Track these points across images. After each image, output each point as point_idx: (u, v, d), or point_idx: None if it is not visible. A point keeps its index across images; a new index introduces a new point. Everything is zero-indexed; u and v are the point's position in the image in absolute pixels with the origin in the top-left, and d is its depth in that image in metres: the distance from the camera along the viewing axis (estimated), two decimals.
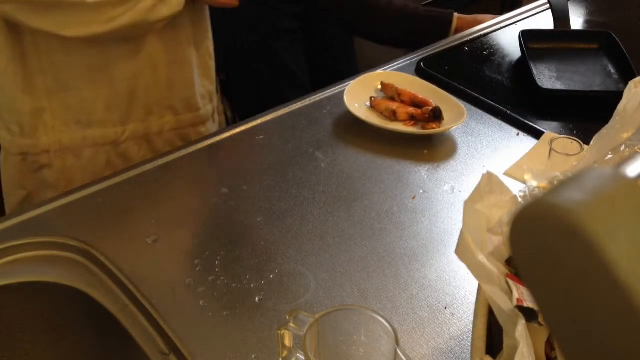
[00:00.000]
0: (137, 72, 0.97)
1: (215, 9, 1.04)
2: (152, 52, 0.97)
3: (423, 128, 0.96)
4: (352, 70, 1.33)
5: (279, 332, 0.59)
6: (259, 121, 1.00)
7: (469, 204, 0.56)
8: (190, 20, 1.00)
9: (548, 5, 1.26)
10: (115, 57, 0.95)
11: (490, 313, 0.52)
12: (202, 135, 1.08)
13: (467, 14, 1.41)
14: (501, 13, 1.39)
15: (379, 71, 1.11)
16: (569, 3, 1.28)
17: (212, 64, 1.09)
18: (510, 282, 0.51)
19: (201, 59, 1.05)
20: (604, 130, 0.67)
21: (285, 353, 0.60)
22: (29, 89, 0.94)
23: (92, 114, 0.97)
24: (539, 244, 0.28)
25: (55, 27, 0.86)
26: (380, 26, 1.44)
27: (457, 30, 1.35)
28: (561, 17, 1.23)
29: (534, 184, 0.60)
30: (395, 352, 0.53)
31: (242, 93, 1.49)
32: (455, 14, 1.37)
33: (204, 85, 1.07)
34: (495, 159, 0.93)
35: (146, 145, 1.03)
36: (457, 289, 0.72)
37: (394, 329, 0.54)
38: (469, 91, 1.07)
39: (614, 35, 1.18)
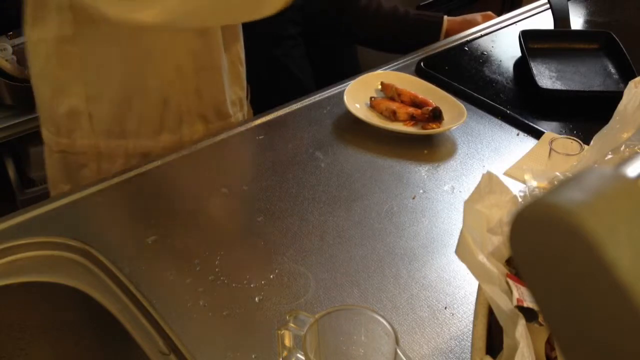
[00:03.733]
0: (169, 80, 0.96)
1: None
2: (182, 60, 0.96)
3: (423, 128, 0.96)
4: (355, 70, 1.33)
5: (279, 332, 0.59)
6: (259, 121, 1.00)
7: (469, 204, 0.56)
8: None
9: (548, 5, 1.26)
10: (150, 65, 0.94)
11: (490, 313, 0.52)
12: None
13: (467, 14, 1.41)
14: (501, 13, 1.39)
15: (379, 71, 1.11)
16: (569, 3, 1.28)
17: (243, 69, 1.07)
18: (510, 282, 0.51)
19: (231, 65, 1.04)
20: (604, 130, 0.67)
21: (285, 353, 0.60)
22: (67, 93, 0.94)
23: (126, 124, 0.97)
24: (539, 244, 0.28)
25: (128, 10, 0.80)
26: (371, 31, 1.45)
27: (448, 33, 1.36)
28: (561, 17, 1.23)
29: (534, 184, 0.60)
30: (395, 352, 0.53)
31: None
32: (445, 17, 1.37)
33: (234, 92, 1.06)
34: (495, 159, 0.93)
35: None
36: (457, 289, 0.72)
37: (394, 329, 0.54)
38: (469, 91, 1.07)
39: (614, 35, 1.18)
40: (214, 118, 1.03)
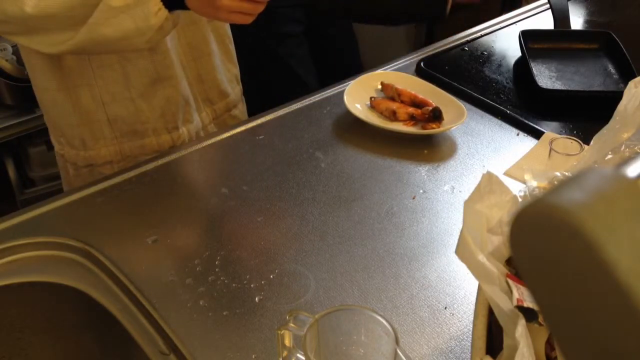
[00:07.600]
0: (176, 73, 0.98)
1: None
2: (182, 52, 0.99)
3: (423, 128, 0.96)
4: (358, 69, 1.32)
5: (279, 332, 0.59)
6: (259, 121, 1.00)
7: (469, 204, 0.56)
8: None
9: (548, 5, 1.26)
10: (160, 62, 0.95)
11: (490, 313, 0.52)
12: (236, 119, 1.11)
13: (467, 14, 1.41)
14: (501, 13, 1.39)
15: (379, 71, 1.11)
16: (569, 3, 1.28)
17: (232, 47, 1.10)
18: (510, 282, 0.51)
19: (221, 45, 1.06)
20: (604, 130, 0.67)
21: (285, 353, 0.60)
22: (85, 104, 0.95)
23: (147, 123, 0.99)
24: (539, 243, 0.28)
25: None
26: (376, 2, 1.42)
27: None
28: (561, 17, 1.23)
29: (534, 184, 0.60)
30: (395, 352, 0.53)
31: (248, 100, 1.48)
32: None
33: (228, 69, 1.09)
34: (495, 159, 0.93)
35: None
36: (457, 289, 0.72)
37: (394, 329, 0.54)
38: (469, 91, 1.07)
39: (614, 35, 1.18)
40: (216, 99, 1.07)
